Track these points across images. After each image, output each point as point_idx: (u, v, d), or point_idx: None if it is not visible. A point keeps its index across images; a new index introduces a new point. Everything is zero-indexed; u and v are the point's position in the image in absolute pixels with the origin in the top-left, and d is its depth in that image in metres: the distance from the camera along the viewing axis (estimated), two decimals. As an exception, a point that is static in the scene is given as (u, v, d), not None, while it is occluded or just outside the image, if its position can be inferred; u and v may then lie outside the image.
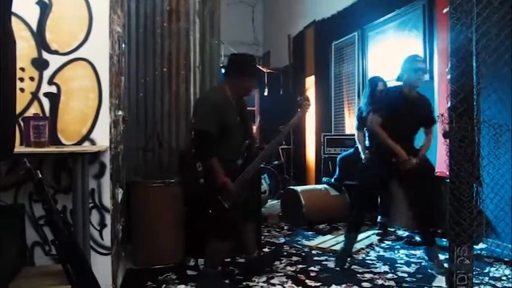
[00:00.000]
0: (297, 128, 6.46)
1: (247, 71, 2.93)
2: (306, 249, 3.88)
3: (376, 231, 4.29)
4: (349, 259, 3.44)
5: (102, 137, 2.52)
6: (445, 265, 2.98)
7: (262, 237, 4.05)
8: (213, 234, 2.85)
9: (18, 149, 2.18)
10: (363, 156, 4.33)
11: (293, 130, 7.08)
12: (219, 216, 2.78)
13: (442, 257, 3.22)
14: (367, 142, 4.31)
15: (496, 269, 3.19)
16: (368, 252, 3.75)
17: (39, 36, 2.46)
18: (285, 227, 4.71)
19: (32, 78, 2.46)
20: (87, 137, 2.51)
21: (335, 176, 4.95)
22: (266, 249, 3.79)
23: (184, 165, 2.89)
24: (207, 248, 2.90)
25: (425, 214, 3.15)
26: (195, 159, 2.72)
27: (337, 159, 4.94)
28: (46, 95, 2.48)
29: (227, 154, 2.78)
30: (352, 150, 4.73)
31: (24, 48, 2.42)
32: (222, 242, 2.86)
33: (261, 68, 7.25)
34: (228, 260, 3.38)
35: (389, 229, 4.39)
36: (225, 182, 2.71)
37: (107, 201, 2.55)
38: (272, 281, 3.03)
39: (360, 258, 3.58)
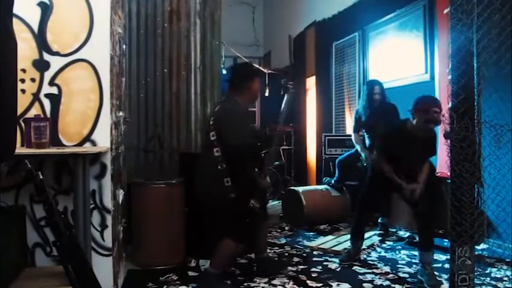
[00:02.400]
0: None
1: (248, 77, 3.01)
2: (307, 250, 3.87)
3: (378, 232, 4.28)
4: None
5: (103, 138, 2.52)
6: (437, 274, 2.99)
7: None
8: (233, 235, 2.87)
9: (19, 150, 2.18)
10: (363, 156, 4.38)
11: (294, 131, 7.11)
12: (247, 221, 2.87)
13: (437, 264, 3.20)
14: (367, 142, 4.37)
15: (498, 270, 3.18)
16: (369, 253, 3.74)
17: (40, 38, 2.46)
18: (286, 228, 4.70)
19: (33, 80, 2.46)
20: (88, 138, 2.52)
21: (335, 178, 4.95)
22: (267, 250, 3.77)
23: (204, 183, 2.95)
24: (221, 247, 2.89)
25: (427, 216, 3.13)
26: (226, 175, 2.79)
27: (336, 162, 4.94)
28: (47, 96, 2.49)
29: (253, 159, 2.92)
30: (353, 150, 4.74)
31: (25, 50, 2.42)
32: (240, 243, 2.89)
33: (261, 69, 7.25)
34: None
35: (390, 230, 4.39)
36: (265, 186, 2.97)
37: (108, 202, 2.55)
38: (273, 282, 3.03)
39: (361, 258, 3.58)
